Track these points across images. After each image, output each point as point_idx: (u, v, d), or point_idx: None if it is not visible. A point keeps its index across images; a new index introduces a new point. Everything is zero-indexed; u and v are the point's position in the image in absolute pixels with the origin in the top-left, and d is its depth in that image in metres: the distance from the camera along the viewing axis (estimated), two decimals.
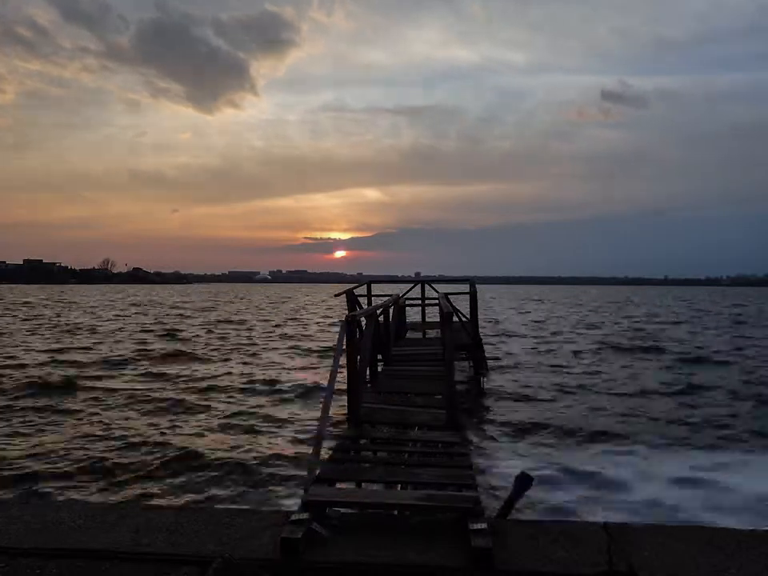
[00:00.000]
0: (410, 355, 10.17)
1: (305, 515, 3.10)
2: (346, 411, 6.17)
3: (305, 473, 4.11)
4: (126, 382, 12.67)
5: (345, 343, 5.29)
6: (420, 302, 14.66)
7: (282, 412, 9.82)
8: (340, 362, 4.89)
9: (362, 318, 6.66)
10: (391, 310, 10.15)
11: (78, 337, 22.45)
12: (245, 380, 12.93)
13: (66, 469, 6.72)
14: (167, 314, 38.03)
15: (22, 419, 9.14)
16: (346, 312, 7.12)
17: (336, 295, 9.33)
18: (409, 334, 14.11)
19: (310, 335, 24.64)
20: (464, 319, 11.92)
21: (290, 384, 12.34)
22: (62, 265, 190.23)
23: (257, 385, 12.40)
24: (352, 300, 9.20)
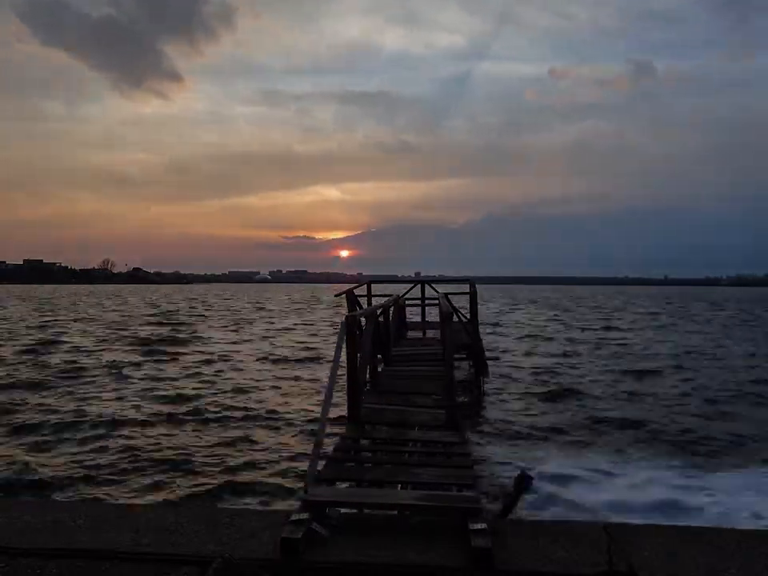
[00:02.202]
0: (410, 355, 10.15)
1: (305, 515, 3.09)
2: (346, 411, 6.16)
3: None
4: None
5: (345, 343, 5.28)
6: (420, 301, 14.66)
7: None
8: (340, 362, 4.88)
9: (362, 318, 6.65)
10: (391, 310, 10.14)
11: None
12: None
13: None
14: None
15: None
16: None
17: (336, 295, 9.34)
18: (409, 334, 14.10)
19: None
20: (464, 319, 11.93)
21: None
22: (62, 265, 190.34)
23: None
24: (352, 300, 9.20)
